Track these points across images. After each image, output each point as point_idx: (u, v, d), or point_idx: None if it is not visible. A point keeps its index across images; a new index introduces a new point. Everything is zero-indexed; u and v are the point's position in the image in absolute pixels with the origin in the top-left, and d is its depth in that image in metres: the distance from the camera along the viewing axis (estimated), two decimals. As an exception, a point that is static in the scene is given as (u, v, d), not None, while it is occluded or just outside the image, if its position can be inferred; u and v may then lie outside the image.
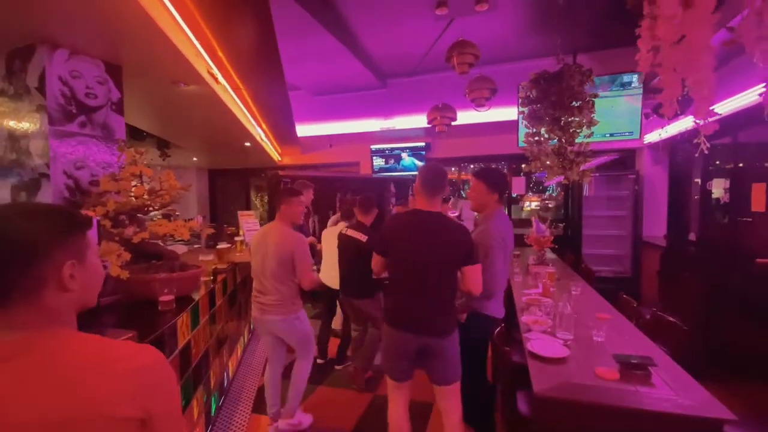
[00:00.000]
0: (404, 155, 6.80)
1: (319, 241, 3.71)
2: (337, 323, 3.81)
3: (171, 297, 1.95)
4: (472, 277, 1.82)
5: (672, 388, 1.52)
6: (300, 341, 2.45)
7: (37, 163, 2.09)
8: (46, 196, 2.08)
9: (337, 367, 3.41)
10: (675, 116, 1.24)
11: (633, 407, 1.41)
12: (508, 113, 5.19)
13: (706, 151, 1.18)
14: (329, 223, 4.09)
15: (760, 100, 1.13)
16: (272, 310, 2.33)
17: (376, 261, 1.98)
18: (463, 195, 6.59)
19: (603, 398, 1.46)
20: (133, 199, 2.16)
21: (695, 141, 1.20)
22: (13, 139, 2.15)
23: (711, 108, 1.12)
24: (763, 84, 1.08)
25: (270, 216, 5.93)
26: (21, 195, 2.13)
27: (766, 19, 1.04)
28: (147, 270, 2.12)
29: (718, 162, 4.33)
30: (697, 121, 1.15)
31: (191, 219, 5.35)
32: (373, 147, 6.92)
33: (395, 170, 6.85)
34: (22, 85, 2.10)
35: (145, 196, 2.16)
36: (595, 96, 3.27)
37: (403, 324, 1.84)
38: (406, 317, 1.84)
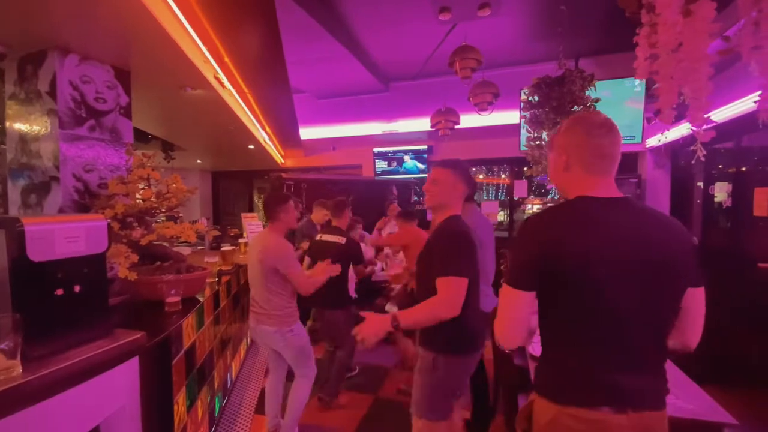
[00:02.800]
0: (406, 158, 6.84)
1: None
2: None
3: (177, 298, 1.98)
4: None
5: (673, 392, 1.53)
6: (295, 357, 2.33)
7: (47, 166, 2.13)
8: (55, 198, 2.11)
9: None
10: (674, 122, 1.25)
11: (633, 410, 1.43)
12: (510, 117, 5.22)
13: (702, 158, 1.20)
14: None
15: (755, 108, 1.15)
16: (265, 320, 2.26)
17: (464, 288, 1.47)
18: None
19: (604, 401, 1.48)
20: (141, 201, 2.20)
21: (692, 148, 1.22)
22: (24, 142, 2.19)
23: (707, 116, 1.14)
24: (759, 92, 1.11)
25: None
26: (31, 197, 2.17)
27: (762, 29, 1.07)
28: (154, 271, 2.15)
29: (720, 166, 4.34)
30: (694, 129, 1.18)
31: (195, 221, 5.40)
32: (376, 150, 6.96)
33: (397, 173, 6.89)
34: (34, 90, 2.14)
35: (153, 199, 2.19)
36: (597, 101, 3.29)
37: (478, 346, 1.64)
38: (480, 338, 1.64)
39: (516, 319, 1.01)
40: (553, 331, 1.00)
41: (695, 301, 1.02)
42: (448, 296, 1.43)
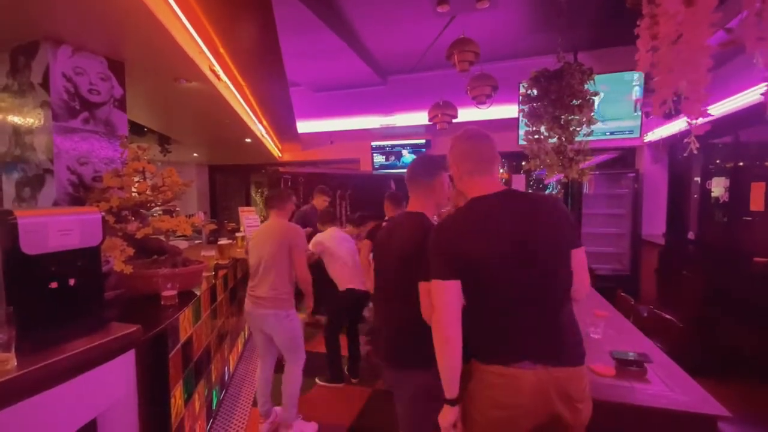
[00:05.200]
0: (404, 152, 6.82)
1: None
2: None
3: (174, 292, 1.97)
4: None
5: (667, 385, 1.55)
6: (288, 342, 2.43)
7: (41, 159, 2.11)
8: (50, 191, 2.10)
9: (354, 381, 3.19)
10: (672, 116, 1.25)
11: (628, 403, 1.44)
12: (508, 111, 5.20)
13: (695, 152, 1.20)
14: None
15: (761, 100, 1.14)
16: (265, 303, 2.36)
17: None
18: None
19: (599, 394, 1.48)
20: (136, 195, 2.18)
21: (686, 140, 1.22)
22: (18, 135, 2.17)
23: (704, 108, 1.13)
24: (765, 84, 1.09)
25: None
26: (25, 190, 2.15)
27: (766, 19, 1.05)
28: (150, 265, 2.13)
29: (718, 161, 4.34)
30: (690, 122, 1.17)
31: (192, 215, 5.37)
32: (374, 144, 6.93)
33: (395, 167, 6.87)
34: (27, 82, 2.11)
35: (148, 192, 2.18)
36: (596, 94, 3.27)
37: None
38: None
39: (451, 304, 1.15)
40: (471, 308, 1.17)
41: (577, 260, 1.20)
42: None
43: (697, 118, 1.14)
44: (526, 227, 1.15)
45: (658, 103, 1.20)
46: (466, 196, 1.29)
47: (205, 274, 2.59)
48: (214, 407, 2.54)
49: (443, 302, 1.16)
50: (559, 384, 1.11)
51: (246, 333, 3.85)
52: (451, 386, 1.16)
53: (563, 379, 1.12)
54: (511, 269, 1.13)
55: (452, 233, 1.19)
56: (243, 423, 2.59)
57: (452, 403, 1.17)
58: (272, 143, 6.56)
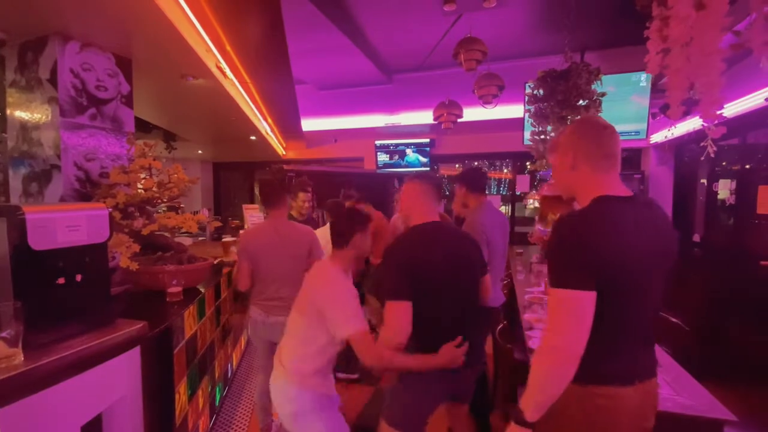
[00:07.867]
0: (408, 151, 6.80)
1: None
2: None
3: (179, 288, 1.98)
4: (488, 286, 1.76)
5: (673, 388, 1.54)
6: None
7: (48, 155, 2.12)
8: (56, 187, 2.10)
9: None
10: (682, 117, 1.24)
11: (634, 406, 1.43)
12: (514, 111, 5.18)
13: (712, 155, 1.18)
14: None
15: (765, 104, 1.13)
16: (283, 311, 2.10)
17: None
18: None
19: (604, 396, 1.48)
20: (142, 191, 2.19)
21: (702, 144, 1.21)
22: (25, 130, 2.17)
23: (719, 112, 1.13)
24: None
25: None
26: (32, 186, 2.16)
27: (774, 23, 1.04)
28: (156, 261, 2.14)
29: (724, 163, 4.31)
30: (705, 124, 1.16)
31: (197, 212, 5.40)
32: (378, 143, 6.92)
33: (399, 166, 6.86)
34: (34, 77, 2.12)
35: (154, 189, 2.18)
36: (603, 95, 3.25)
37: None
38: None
39: (588, 320, 0.97)
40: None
41: None
42: (388, 321, 1.46)
43: (712, 122, 1.14)
44: (662, 239, 1.06)
45: (675, 104, 1.19)
46: (574, 193, 1.16)
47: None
48: (217, 403, 2.54)
49: (580, 317, 0.97)
50: (650, 396, 1.10)
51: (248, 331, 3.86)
52: (542, 410, 1.00)
53: (651, 391, 1.10)
54: (645, 283, 1.03)
55: (592, 237, 0.99)
56: (245, 420, 2.60)
57: (530, 426, 1.02)
58: (277, 141, 6.56)
